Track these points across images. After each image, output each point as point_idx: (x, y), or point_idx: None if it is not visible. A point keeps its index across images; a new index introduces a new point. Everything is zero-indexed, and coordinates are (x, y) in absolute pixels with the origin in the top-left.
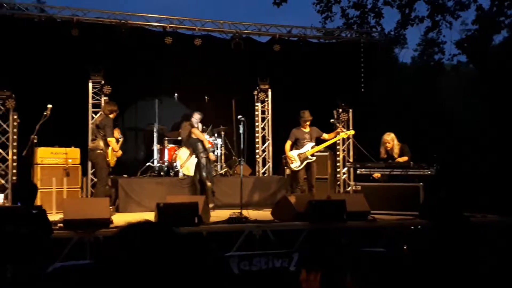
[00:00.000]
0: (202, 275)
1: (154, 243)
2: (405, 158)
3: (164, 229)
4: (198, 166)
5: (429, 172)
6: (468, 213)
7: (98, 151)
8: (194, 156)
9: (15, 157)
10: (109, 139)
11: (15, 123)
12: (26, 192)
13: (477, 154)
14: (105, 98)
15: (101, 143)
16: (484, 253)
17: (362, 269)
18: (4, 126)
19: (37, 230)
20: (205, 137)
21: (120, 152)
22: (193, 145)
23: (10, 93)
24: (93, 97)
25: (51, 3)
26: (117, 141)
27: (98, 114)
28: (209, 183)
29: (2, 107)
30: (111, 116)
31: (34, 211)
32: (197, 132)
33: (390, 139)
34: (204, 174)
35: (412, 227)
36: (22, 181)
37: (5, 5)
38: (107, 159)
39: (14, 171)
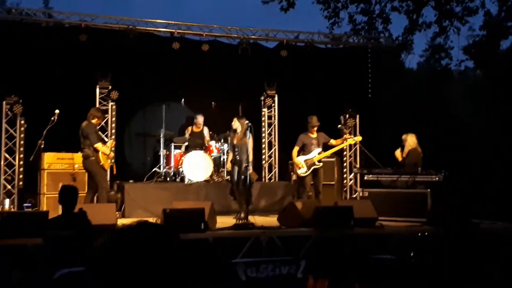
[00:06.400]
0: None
1: (146, 248)
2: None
3: (157, 233)
4: (238, 171)
5: (437, 179)
6: (476, 220)
7: (91, 159)
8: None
9: (21, 162)
10: (95, 145)
11: (22, 128)
12: (68, 196)
13: (485, 160)
14: (112, 103)
15: (90, 151)
16: (493, 260)
17: (370, 276)
18: (11, 131)
19: (79, 233)
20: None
21: (112, 154)
22: (242, 149)
23: (18, 98)
24: (100, 103)
25: (59, 9)
26: (105, 143)
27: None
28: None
29: (9, 112)
30: (94, 121)
31: (75, 214)
32: (249, 139)
33: (404, 138)
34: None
35: (420, 234)
36: (63, 186)
37: (13, 10)
38: (101, 164)
39: (21, 176)
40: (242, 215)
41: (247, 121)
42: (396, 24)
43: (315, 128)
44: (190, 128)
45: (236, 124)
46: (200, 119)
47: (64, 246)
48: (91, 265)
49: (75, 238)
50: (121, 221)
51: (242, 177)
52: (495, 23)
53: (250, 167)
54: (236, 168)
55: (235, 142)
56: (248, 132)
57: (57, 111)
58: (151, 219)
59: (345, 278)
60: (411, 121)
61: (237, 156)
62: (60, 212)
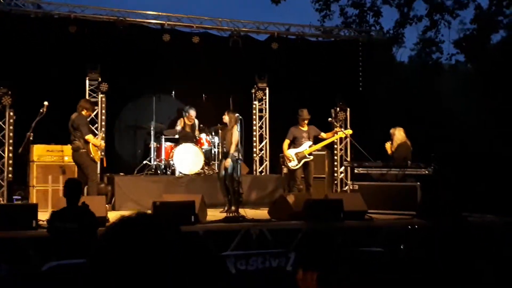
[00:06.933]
0: (199, 273)
1: (148, 238)
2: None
3: (159, 223)
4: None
5: (427, 172)
6: (466, 213)
7: (81, 151)
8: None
9: (11, 155)
10: (86, 137)
11: (11, 120)
12: (71, 189)
13: (475, 153)
14: (102, 95)
15: (80, 143)
16: (482, 253)
17: (360, 268)
18: (0, 123)
19: (83, 225)
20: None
21: (102, 145)
22: (229, 142)
23: (7, 90)
24: (89, 95)
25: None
26: (95, 135)
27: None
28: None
29: None
30: (84, 113)
31: (79, 207)
32: (235, 132)
33: (392, 132)
34: (232, 175)
35: (409, 227)
36: (68, 179)
37: (2, 1)
38: (91, 156)
39: (10, 168)
40: (233, 208)
41: (237, 114)
42: (387, 18)
43: (306, 121)
44: (182, 120)
45: (226, 118)
46: (192, 112)
47: (68, 238)
48: (92, 257)
49: (79, 231)
50: (112, 214)
51: (229, 170)
52: (485, 17)
53: (228, 159)
54: (224, 162)
55: (223, 135)
56: (238, 125)
57: (46, 103)
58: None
59: (335, 270)
60: (401, 114)
61: (225, 149)
62: (49, 204)
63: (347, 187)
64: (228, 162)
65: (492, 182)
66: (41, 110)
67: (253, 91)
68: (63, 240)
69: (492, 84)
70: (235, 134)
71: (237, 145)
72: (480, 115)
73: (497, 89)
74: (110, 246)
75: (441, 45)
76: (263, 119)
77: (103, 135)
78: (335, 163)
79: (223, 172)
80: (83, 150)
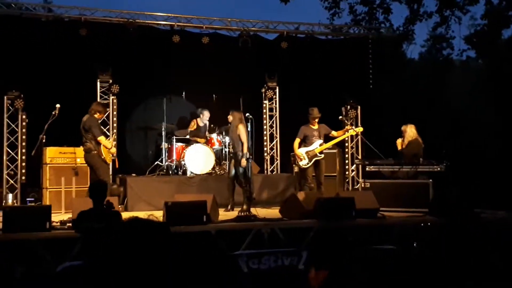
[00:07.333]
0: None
1: (145, 241)
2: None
3: (153, 226)
4: (234, 164)
5: (439, 169)
6: (478, 210)
7: (93, 153)
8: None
9: (24, 157)
10: (98, 138)
11: (23, 123)
12: (96, 191)
13: (486, 150)
14: (113, 97)
15: (92, 144)
16: (494, 249)
17: (372, 266)
18: (13, 126)
19: (109, 225)
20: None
21: (114, 149)
22: (235, 141)
23: (19, 93)
24: (101, 97)
25: (58, 3)
26: (107, 136)
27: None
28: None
29: (11, 107)
30: (96, 116)
31: (105, 208)
32: (243, 131)
33: (403, 129)
34: (244, 174)
35: (422, 224)
36: (93, 181)
37: (13, 5)
38: (103, 157)
39: (23, 171)
40: (245, 207)
41: (247, 114)
42: (397, 14)
43: (316, 120)
44: (195, 121)
45: (230, 117)
46: (206, 113)
47: (96, 238)
48: (91, 260)
49: (107, 231)
50: (125, 215)
51: (240, 169)
52: (496, 12)
53: (243, 159)
54: (233, 161)
55: (230, 135)
56: (248, 124)
57: (58, 105)
58: (144, 214)
59: (347, 269)
60: (412, 111)
61: (232, 149)
62: (63, 205)
63: (358, 185)
64: (244, 162)
65: (503, 179)
66: (53, 113)
67: (263, 90)
68: (91, 239)
69: (503, 79)
70: (243, 132)
71: (247, 144)
72: (491, 110)
73: (508, 84)
74: (107, 250)
75: (451, 41)
76: (274, 118)
77: (115, 137)
78: (346, 161)
79: (233, 172)
80: (95, 152)
